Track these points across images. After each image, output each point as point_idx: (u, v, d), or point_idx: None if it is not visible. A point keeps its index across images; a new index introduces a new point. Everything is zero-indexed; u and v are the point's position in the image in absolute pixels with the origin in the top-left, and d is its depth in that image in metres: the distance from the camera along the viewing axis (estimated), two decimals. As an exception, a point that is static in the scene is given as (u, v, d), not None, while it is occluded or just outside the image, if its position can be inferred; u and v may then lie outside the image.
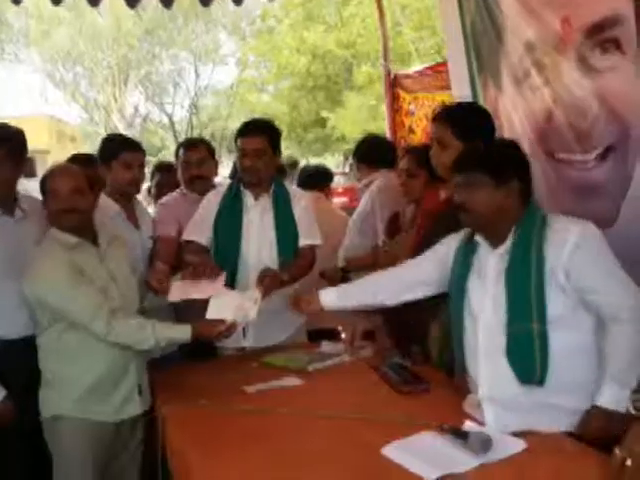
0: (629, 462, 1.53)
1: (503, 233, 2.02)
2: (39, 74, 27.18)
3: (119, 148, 2.99)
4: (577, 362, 1.95)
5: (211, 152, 3.43)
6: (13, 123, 2.60)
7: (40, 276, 2.30)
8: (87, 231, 2.42)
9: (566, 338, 1.93)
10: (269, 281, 2.68)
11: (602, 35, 2.53)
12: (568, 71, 2.72)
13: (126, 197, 3.02)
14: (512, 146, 2.17)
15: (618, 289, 1.94)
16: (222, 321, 2.43)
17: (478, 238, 2.10)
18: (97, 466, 2.37)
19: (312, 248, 2.97)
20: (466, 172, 2.03)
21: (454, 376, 2.22)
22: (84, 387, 2.34)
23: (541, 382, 1.92)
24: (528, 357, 1.93)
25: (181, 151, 3.38)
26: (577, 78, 2.68)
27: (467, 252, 2.13)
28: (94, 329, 2.27)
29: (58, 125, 28.81)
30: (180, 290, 2.60)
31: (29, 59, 26.48)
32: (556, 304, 1.93)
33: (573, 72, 2.69)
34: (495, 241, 2.05)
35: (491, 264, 2.04)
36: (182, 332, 2.38)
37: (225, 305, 2.58)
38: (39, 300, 2.30)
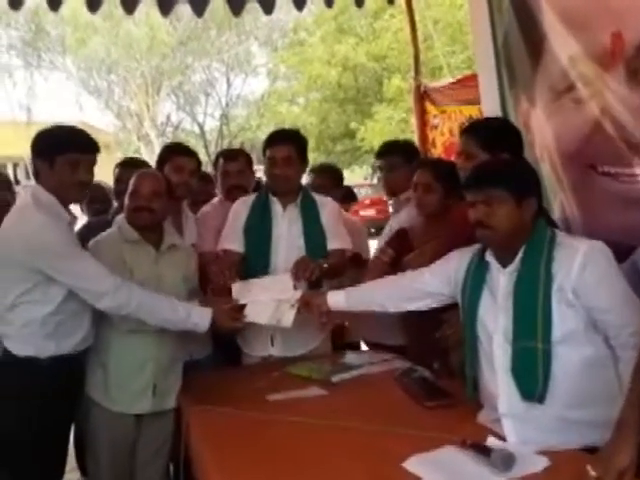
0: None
1: (514, 251, 2.01)
2: (74, 81, 27.50)
3: (172, 152, 3.11)
4: (592, 375, 1.93)
5: (249, 163, 3.46)
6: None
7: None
8: (153, 232, 2.59)
9: (579, 352, 1.92)
10: (309, 265, 2.67)
11: None
12: (617, 85, 2.68)
13: (174, 202, 2.92)
14: (525, 163, 2.16)
15: (626, 310, 1.92)
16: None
17: (489, 257, 2.08)
18: (117, 456, 2.50)
19: (342, 251, 2.94)
20: (486, 188, 2.00)
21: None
22: (106, 371, 2.47)
23: (541, 400, 1.91)
24: (531, 375, 1.92)
25: (221, 161, 3.40)
26: (627, 92, 2.64)
27: (480, 269, 2.11)
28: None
29: (91, 132, 29.00)
30: (246, 290, 2.62)
31: (64, 66, 26.91)
32: (566, 321, 1.92)
33: (622, 86, 2.66)
34: (505, 260, 2.03)
35: (502, 283, 2.03)
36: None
37: (262, 309, 2.58)
38: None
